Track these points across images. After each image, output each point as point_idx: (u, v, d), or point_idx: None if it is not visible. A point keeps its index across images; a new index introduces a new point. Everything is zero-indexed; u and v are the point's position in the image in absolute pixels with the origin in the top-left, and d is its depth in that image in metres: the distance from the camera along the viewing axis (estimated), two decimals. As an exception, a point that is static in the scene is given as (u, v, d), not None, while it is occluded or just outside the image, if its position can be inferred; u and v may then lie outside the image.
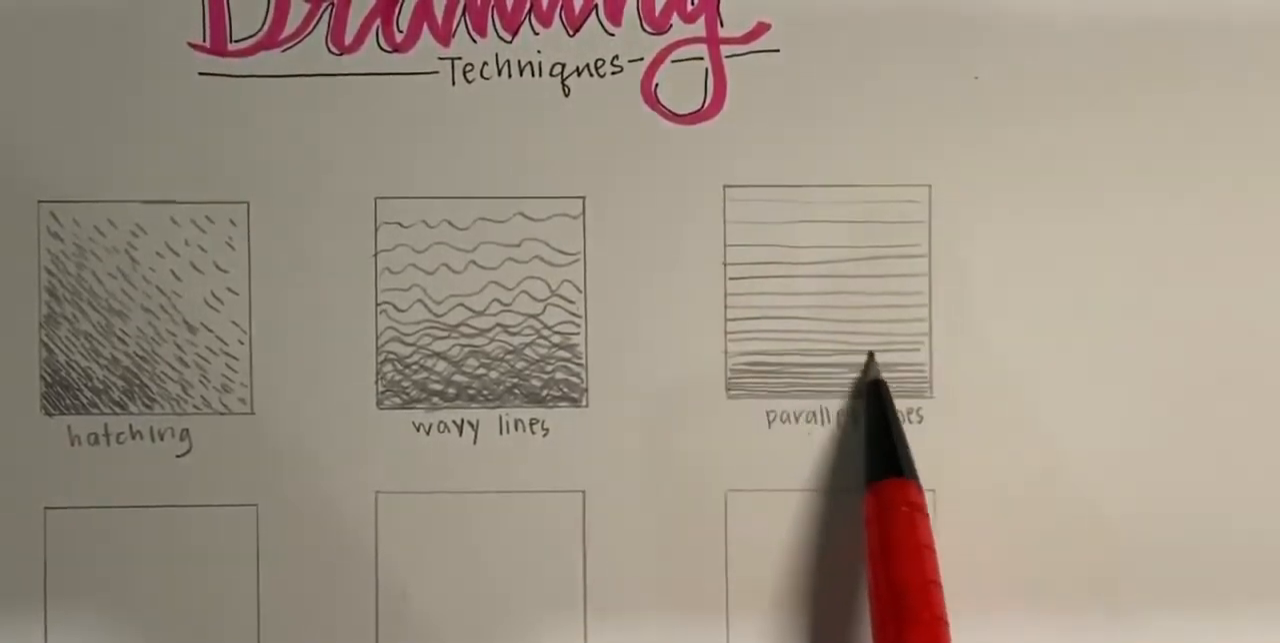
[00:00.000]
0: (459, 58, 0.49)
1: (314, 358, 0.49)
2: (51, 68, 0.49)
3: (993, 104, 0.50)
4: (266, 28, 0.49)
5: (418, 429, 0.50)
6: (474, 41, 0.49)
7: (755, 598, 0.50)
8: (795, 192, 0.50)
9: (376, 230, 0.49)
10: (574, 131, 0.50)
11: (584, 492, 0.50)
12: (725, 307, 0.50)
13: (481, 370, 0.50)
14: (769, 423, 0.50)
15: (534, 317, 0.50)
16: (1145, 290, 0.50)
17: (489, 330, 0.50)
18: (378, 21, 0.49)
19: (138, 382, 0.49)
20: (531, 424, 0.50)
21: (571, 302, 0.50)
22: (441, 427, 0.50)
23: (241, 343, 0.49)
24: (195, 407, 0.49)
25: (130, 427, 0.49)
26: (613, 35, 0.50)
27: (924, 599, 0.43)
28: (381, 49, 0.49)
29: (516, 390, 0.50)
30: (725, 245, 0.50)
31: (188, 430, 0.49)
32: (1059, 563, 0.49)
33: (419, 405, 0.50)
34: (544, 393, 0.50)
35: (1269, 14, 0.50)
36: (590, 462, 0.50)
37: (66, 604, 0.49)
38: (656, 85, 0.50)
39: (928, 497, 0.49)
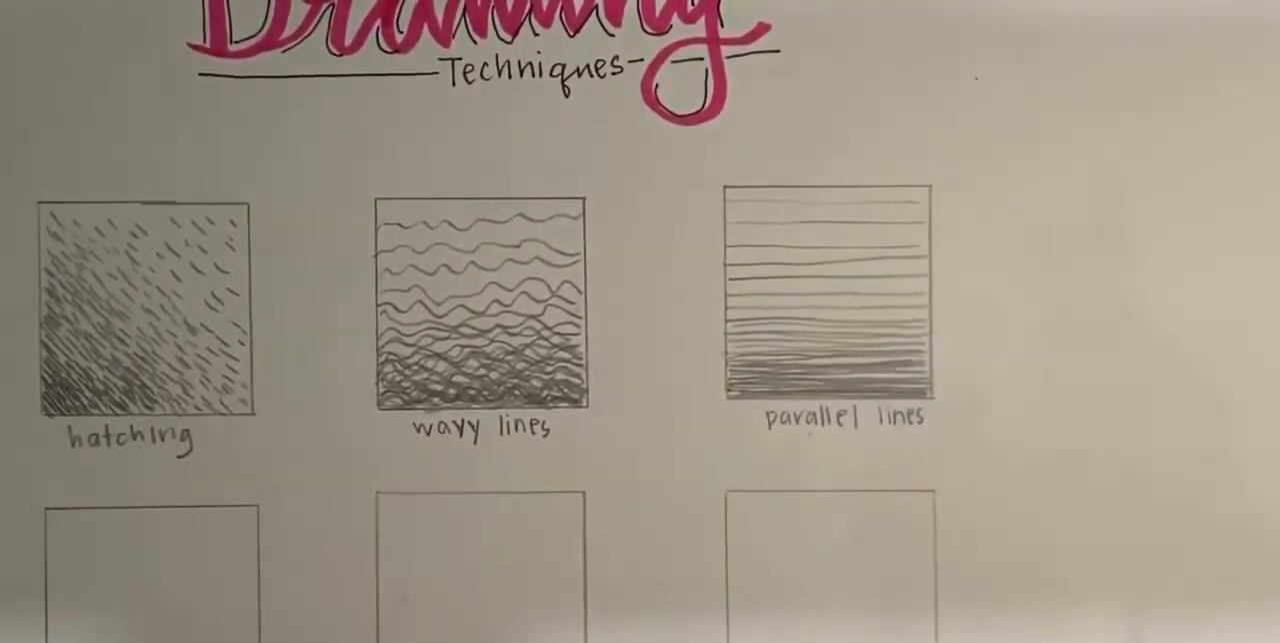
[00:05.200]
0: (459, 58, 0.49)
1: (314, 358, 0.49)
2: (52, 68, 0.49)
3: (993, 104, 0.50)
4: (267, 28, 0.49)
5: (418, 430, 0.50)
6: (474, 42, 0.49)
7: (755, 598, 0.50)
8: (795, 192, 0.50)
9: (376, 231, 0.49)
10: (574, 131, 0.50)
11: (584, 492, 0.50)
12: (725, 307, 0.50)
13: (482, 371, 0.50)
14: (769, 423, 0.50)
15: (534, 317, 0.50)
16: (1146, 290, 0.50)
17: (489, 331, 0.50)
18: (378, 22, 0.49)
19: (138, 382, 0.49)
20: (532, 424, 0.50)
21: (571, 302, 0.50)
22: (442, 427, 0.50)
23: (242, 343, 0.49)
24: (196, 407, 0.49)
25: (131, 427, 0.49)
26: (613, 36, 0.49)
27: None
28: (381, 50, 0.49)
29: (517, 391, 0.50)
30: (725, 245, 0.50)
31: (188, 431, 0.49)
32: (1058, 563, 0.50)
33: (419, 406, 0.50)
34: (544, 393, 0.50)
35: (1272, 10, 0.50)
36: (590, 462, 0.50)
37: (66, 604, 0.49)
38: (656, 85, 0.50)
39: (927, 497, 0.50)
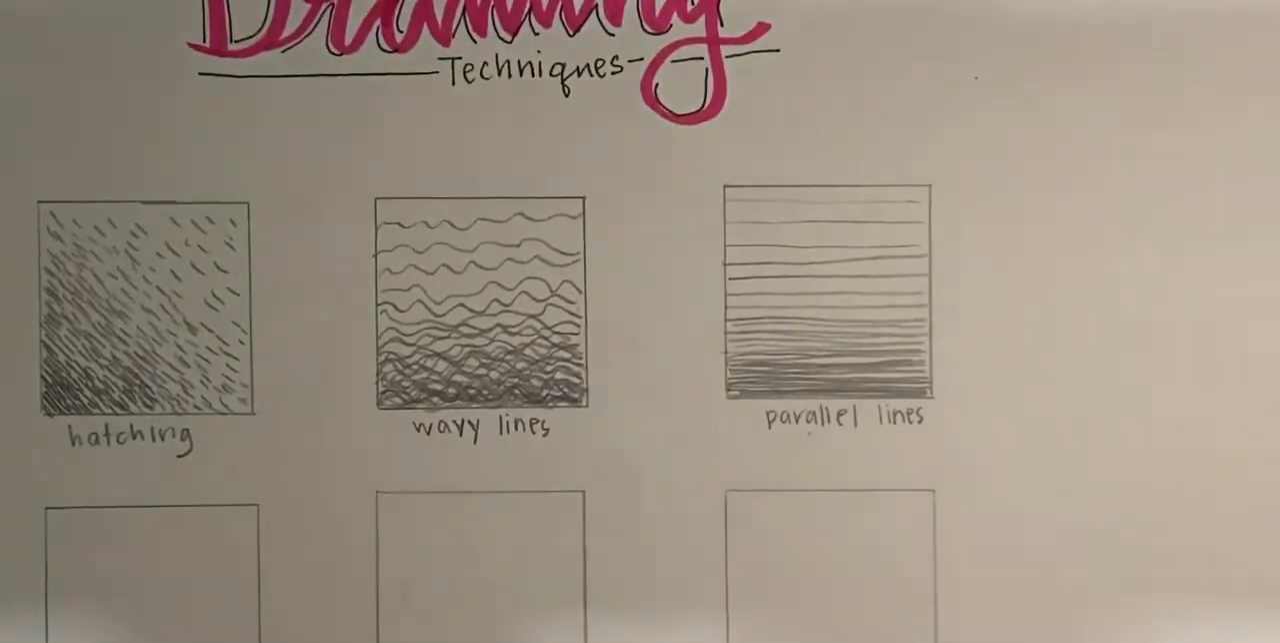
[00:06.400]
0: (459, 58, 0.49)
1: (314, 358, 0.49)
2: (52, 68, 0.49)
3: (993, 104, 0.50)
4: (267, 28, 0.49)
5: (418, 429, 0.50)
6: (474, 41, 0.49)
7: (755, 598, 0.50)
8: (795, 191, 0.50)
9: (376, 230, 0.50)
10: (574, 132, 0.50)
11: (584, 492, 0.50)
12: (725, 307, 0.50)
13: (482, 370, 0.50)
14: (769, 423, 0.50)
15: (534, 317, 0.50)
16: (1146, 290, 0.50)
17: (489, 330, 0.50)
18: (377, 22, 0.49)
19: (138, 382, 0.49)
20: (531, 424, 0.50)
21: (571, 302, 0.50)
22: (442, 427, 0.50)
23: (242, 343, 0.49)
24: (196, 407, 0.49)
25: (131, 427, 0.49)
26: (613, 35, 0.49)
27: None
28: (381, 49, 0.49)
29: (517, 390, 0.50)
30: (725, 245, 0.50)
31: (188, 431, 0.49)
32: (1059, 564, 0.50)
33: (419, 405, 0.50)
34: (544, 393, 0.50)
35: (1263, 5, 0.50)
36: (590, 462, 0.50)
37: (66, 604, 0.49)
38: (656, 85, 0.50)
39: (927, 497, 0.50)
